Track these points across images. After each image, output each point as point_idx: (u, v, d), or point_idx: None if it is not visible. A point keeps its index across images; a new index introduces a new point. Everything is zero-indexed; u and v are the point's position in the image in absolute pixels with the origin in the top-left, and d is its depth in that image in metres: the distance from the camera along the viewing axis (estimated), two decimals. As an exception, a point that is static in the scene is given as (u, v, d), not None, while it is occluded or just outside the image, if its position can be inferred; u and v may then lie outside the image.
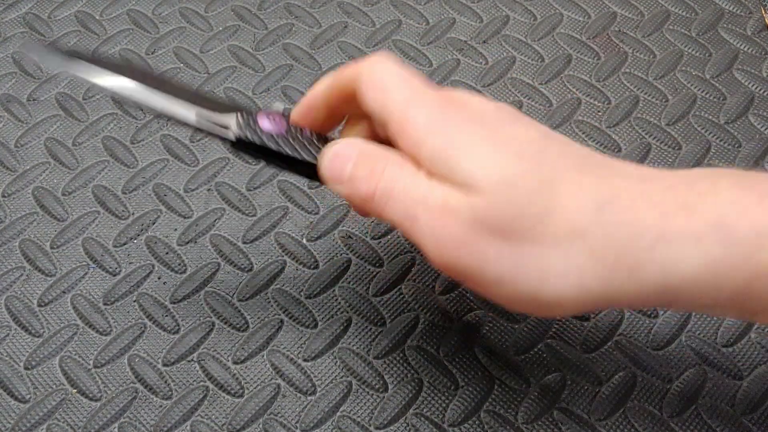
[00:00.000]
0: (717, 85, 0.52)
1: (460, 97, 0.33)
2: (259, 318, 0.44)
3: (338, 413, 0.41)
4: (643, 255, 0.29)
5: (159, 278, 0.45)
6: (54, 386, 0.42)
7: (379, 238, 0.46)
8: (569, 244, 0.30)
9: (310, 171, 0.36)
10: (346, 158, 0.34)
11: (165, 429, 0.40)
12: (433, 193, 0.31)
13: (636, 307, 0.32)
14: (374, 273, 0.45)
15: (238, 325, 0.43)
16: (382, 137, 0.35)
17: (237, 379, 0.42)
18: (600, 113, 0.51)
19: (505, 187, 0.30)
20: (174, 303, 0.44)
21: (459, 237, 0.30)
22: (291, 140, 0.36)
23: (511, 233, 0.30)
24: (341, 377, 0.42)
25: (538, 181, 0.30)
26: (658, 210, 0.29)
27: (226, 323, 0.43)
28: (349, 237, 0.46)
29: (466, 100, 0.33)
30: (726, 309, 0.31)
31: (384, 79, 0.34)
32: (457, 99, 0.33)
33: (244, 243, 0.46)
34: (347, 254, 0.46)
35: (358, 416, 0.41)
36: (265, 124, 0.36)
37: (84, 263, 0.46)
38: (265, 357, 0.42)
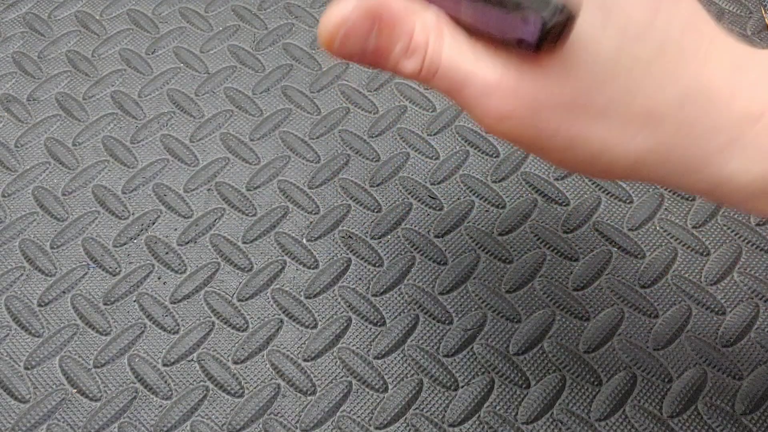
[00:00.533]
0: (717, 84, 0.52)
1: None
2: (259, 318, 0.44)
3: (338, 413, 0.41)
4: (709, 157, 0.28)
5: (159, 278, 0.45)
6: (54, 386, 0.42)
7: (379, 238, 0.46)
8: (640, 128, 0.28)
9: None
10: (365, 34, 0.28)
11: (165, 429, 0.40)
12: (490, 65, 0.27)
13: (680, 190, 0.31)
14: (374, 273, 0.45)
15: (238, 325, 0.43)
16: None
17: (237, 379, 0.42)
18: (600, 113, 0.51)
19: (593, 64, 0.27)
20: (174, 303, 0.44)
21: (514, 113, 0.28)
22: None
23: (581, 108, 0.28)
24: (341, 377, 0.42)
25: (630, 63, 0.27)
26: (740, 110, 0.28)
27: (226, 323, 0.43)
28: (349, 237, 0.46)
29: None
30: None
31: None
32: None
33: (244, 243, 0.46)
34: (347, 254, 0.46)
35: (358, 416, 0.41)
36: None
37: (84, 263, 0.46)
38: (265, 357, 0.42)
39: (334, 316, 0.43)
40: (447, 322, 0.43)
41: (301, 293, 0.44)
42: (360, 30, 0.28)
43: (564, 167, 0.30)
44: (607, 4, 0.27)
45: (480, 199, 0.47)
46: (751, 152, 0.28)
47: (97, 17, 0.57)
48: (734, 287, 0.44)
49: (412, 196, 0.48)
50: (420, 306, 0.44)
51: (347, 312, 0.44)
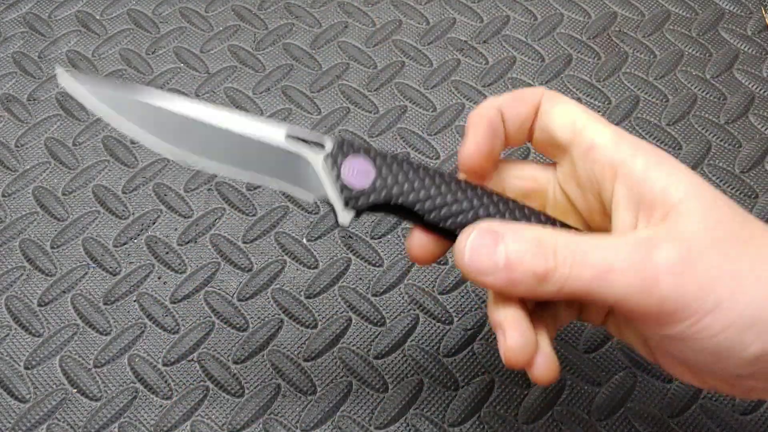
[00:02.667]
0: (717, 85, 0.52)
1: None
2: (259, 318, 0.44)
3: (338, 413, 0.41)
4: None
5: (159, 278, 0.45)
6: (54, 386, 0.42)
7: (379, 238, 0.46)
8: (748, 328, 0.28)
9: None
10: (492, 247, 0.30)
11: (165, 429, 0.40)
12: (624, 240, 0.29)
13: None
14: (374, 273, 0.45)
15: (238, 325, 0.43)
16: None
17: (237, 378, 0.42)
18: (600, 113, 0.51)
19: (710, 202, 0.29)
20: (174, 303, 0.44)
21: (675, 263, 0.28)
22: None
23: (728, 248, 0.28)
24: (341, 377, 0.42)
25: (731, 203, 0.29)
26: None
27: (226, 323, 0.43)
28: (349, 237, 0.46)
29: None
30: None
31: (572, 104, 0.32)
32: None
33: (245, 243, 0.46)
34: (347, 254, 0.46)
35: (358, 416, 0.41)
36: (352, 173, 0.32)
37: (84, 263, 0.46)
38: (265, 357, 0.42)
39: (334, 316, 0.43)
40: (447, 322, 0.43)
41: (302, 293, 0.44)
42: (484, 244, 0.30)
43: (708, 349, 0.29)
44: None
45: (480, 199, 0.47)
46: None
47: (98, 17, 0.57)
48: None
49: (412, 196, 0.48)
50: (420, 306, 0.44)
51: (347, 312, 0.44)
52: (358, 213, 0.32)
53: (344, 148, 0.32)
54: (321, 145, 0.32)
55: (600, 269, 0.28)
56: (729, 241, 0.28)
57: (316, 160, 0.32)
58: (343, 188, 0.32)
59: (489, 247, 0.29)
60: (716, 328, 0.27)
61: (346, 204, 0.32)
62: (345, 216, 0.32)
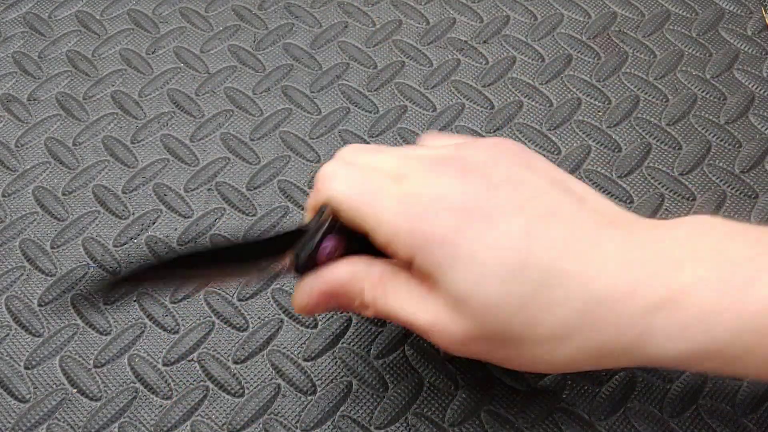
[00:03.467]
0: (717, 85, 0.52)
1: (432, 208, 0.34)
2: (259, 317, 0.44)
3: (338, 413, 0.41)
4: (629, 348, 0.31)
5: (159, 278, 0.45)
6: (54, 386, 0.42)
7: (379, 238, 0.46)
8: (556, 344, 0.32)
9: None
10: (317, 295, 0.36)
11: (165, 429, 0.40)
12: (423, 314, 0.34)
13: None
14: (374, 273, 0.45)
15: (238, 325, 0.43)
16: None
17: (237, 378, 0.42)
18: (600, 113, 0.51)
19: (490, 309, 0.32)
20: (174, 303, 0.44)
21: (452, 347, 0.34)
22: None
23: (501, 340, 0.33)
24: (341, 377, 0.42)
25: (519, 301, 0.32)
26: (641, 304, 0.31)
27: (226, 323, 0.43)
28: (350, 237, 0.46)
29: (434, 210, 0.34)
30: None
31: (343, 194, 0.35)
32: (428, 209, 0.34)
33: (245, 243, 0.46)
34: (347, 254, 0.46)
35: (358, 416, 0.41)
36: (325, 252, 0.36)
37: (84, 263, 0.46)
38: (265, 357, 0.42)
39: (335, 316, 0.43)
40: (447, 322, 0.43)
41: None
42: (323, 305, 0.36)
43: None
44: (480, 263, 0.32)
45: (480, 199, 0.47)
46: (662, 340, 0.31)
47: (98, 17, 0.57)
48: (734, 287, 0.44)
49: (412, 196, 0.48)
50: (420, 306, 0.44)
51: (348, 312, 0.44)
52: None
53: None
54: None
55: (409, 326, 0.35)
56: (505, 338, 0.33)
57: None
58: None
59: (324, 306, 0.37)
60: (514, 364, 0.35)
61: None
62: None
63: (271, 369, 0.42)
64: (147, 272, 0.36)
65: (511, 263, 0.32)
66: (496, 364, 0.36)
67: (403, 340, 0.43)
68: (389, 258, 0.35)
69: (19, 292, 0.45)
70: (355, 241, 0.35)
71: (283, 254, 0.36)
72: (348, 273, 0.35)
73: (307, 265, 0.36)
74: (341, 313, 0.43)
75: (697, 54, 0.53)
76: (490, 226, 0.32)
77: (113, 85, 0.53)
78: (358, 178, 0.35)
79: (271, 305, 0.44)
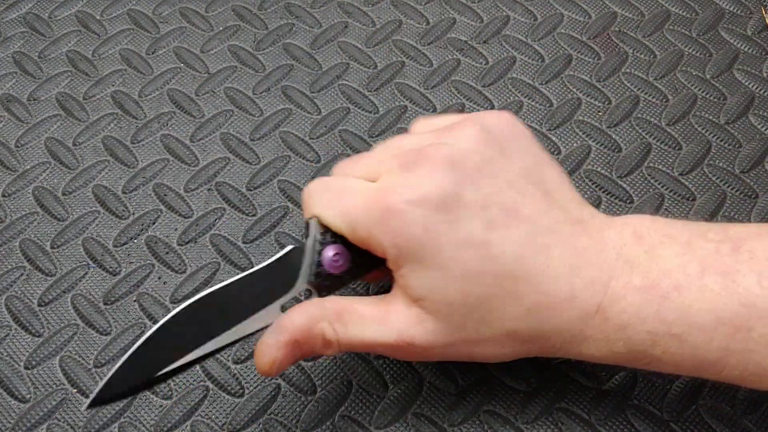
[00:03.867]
0: (717, 85, 0.52)
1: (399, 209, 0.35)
2: (259, 318, 0.44)
3: (338, 413, 0.41)
4: (565, 346, 0.35)
5: (159, 278, 0.45)
6: (54, 386, 0.42)
7: (379, 238, 0.46)
8: (505, 341, 0.35)
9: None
10: (277, 345, 0.36)
11: (165, 429, 0.40)
12: (386, 331, 0.35)
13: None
14: (374, 273, 0.45)
15: (238, 325, 0.43)
16: None
17: (237, 378, 0.42)
18: (600, 113, 0.51)
19: (450, 308, 0.34)
20: (174, 303, 0.44)
21: (419, 354, 0.36)
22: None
23: (461, 340, 0.35)
24: (341, 377, 0.42)
25: (475, 302, 0.34)
26: (579, 309, 0.34)
27: (226, 323, 0.43)
28: (350, 237, 0.46)
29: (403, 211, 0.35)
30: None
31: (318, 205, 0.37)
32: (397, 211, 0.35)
33: (245, 243, 0.46)
34: (347, 254, 0.46)
35: (358, 416, 0.41)
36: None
37: (84, 263, 0.46)
38: (265, 357, 0.42)
39: (335, 316, 0.43)
40: (447, 322, 0.43)
41: (302, 293, 0.44)
42: (290, 357, 0.36)
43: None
44: (443, 261, 0.34)
45: (480, 199, 0.47)
46: (593, 342, 0.35)
47: (98, 17, 0.57)
48: (734, 287, 0.44)
49: (412, 196, 0.48)
50: (420, 306, 0.44)
51: (347, 312, 0.44)
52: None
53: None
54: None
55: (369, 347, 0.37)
56: (459, 339, 0.35)
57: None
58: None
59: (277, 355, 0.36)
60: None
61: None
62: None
63: (271, 369, 0.42)
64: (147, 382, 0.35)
65: (471, 265, 0.34)
66: (454, 360, 0.38)
67: (403, 340, 0.43)
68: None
69: (19, 292, 0.45)
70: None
71: (292, 278, 0.36)
72: (304, 317, 0.36)
73: (320, 281, 0.36)
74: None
75: (697, 54, 0.53)
76: (453, 225, 0.34)
77: (113, 85, 0.53)
78: (334, 188, 0.37)
79: (271, 305, 0.44)
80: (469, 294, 0.34)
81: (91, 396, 0.34)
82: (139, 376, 0.35)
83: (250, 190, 0.48)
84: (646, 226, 0.36)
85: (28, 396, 0.41)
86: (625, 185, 0.48)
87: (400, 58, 0.54)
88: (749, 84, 0.52)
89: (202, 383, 0.42)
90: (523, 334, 0.35)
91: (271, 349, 0.35)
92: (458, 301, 0.34)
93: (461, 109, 0.51)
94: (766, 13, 0.55)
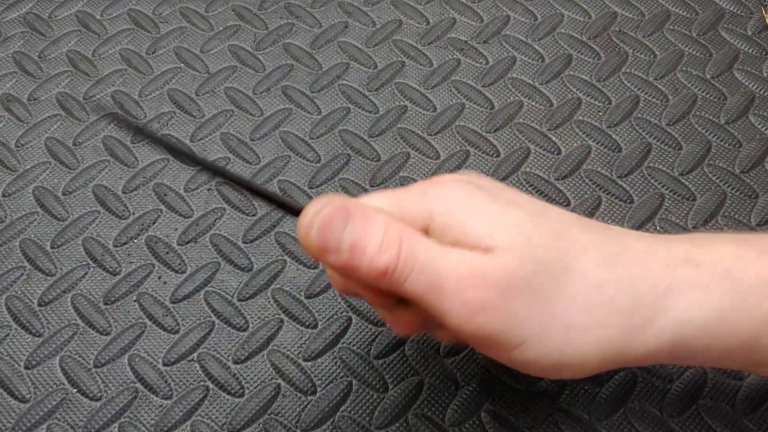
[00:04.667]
0: (717, 85, 0.52)
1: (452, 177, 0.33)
2: (259, 318, 0.44)
3: (338, 413, 0.41)
4: (657, 304, 0.30)
5: (159, 278, 0.45)
6: (54, 386, 0.42)
7: (379, 238, 0.46)
8: (590, 297, 0.30)
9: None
10: (342, 225, 0.30)
11: (165, 429, 0.40)
12: (458, 260, 0.30)
13: (651, 361, 0.33)
14: (374, 273, 0.45)
15: (238, 325, 0.43)
16: None
17: (237, 378, 0.42)
18: (600, 113, 0.51)
19: (523, 244, 0.30)
20: (174, 303, 0.44)
21: (489, 300, 0.29)
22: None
23: (537, 290, 0.30)
24: (341, 377, 0.42)
25: (552, 234, 0.30)
26: (664, 263, 0.30)
27: (226, 323, 0.43)
28: (350, 237, 0.46)
29: (457, 177, 0.32)
30: (735, 360, 0.32)
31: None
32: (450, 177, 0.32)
33: (245, 243, 0.46)
34: (347, 254, 0.46)
35: (359, 416, 0.41)
36: None
37: (84, 263, 0.46)
38: (265, 357, 0.42)
39: (335, 316, 0.43)
40: (447, 322, 0.43)
41: (302, 293, 0.44)
42: (335, 220, 0.29)
43: (533, 369, 0.32)
44: (504, 200, 0.31)
45: (480, 199, 0.47)
46: (691, 292, 0.30)
47: (98, 17, 0.57)
48: (734, 287, 0.44)
49: (412, 196, 0.48)
50: (420, 306, 0.44)
51: (347, 312, 0.44)
52: None
53: None
54: None
55: (433, 285, 0.29)
56: (541, 282, 0.30)
57: None
58: None
59: (338, 226, 0.30)
60: (525, 359, 0.30)
61: None
62: None
63: (271, 369, 0.42)
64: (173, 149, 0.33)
65: (535, 204, 0.31)
66: (515, 360, 0.32)
67: (403, 341, 0.43)
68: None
69: (20, 292, 0.45)
70: None
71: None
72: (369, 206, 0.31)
73: None
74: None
75: (697, 54, 0.53)
76: (510, 189, 0.32)
77: (113, 85, 0.53)
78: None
79: (271, 305, 0.44)
80: (542, 228, 0.31)
81: (141, 127, 0.33)
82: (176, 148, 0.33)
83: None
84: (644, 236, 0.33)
85: (28, 396, 0.41)
86: (625, 185, 0.48)
87: (400, 58, 0.54)
88: (749, 84, 0.52)
89: (202, 383, 0.42)
90: (610, 290, 0.30)
91: (318, 205, 0.30)
92: (532, 237, 0.30)
93: (461, 110, 0.51)
94: (766, 13, 0.55)
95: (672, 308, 0.30)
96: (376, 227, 0.30)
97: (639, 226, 0.46)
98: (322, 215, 0.30)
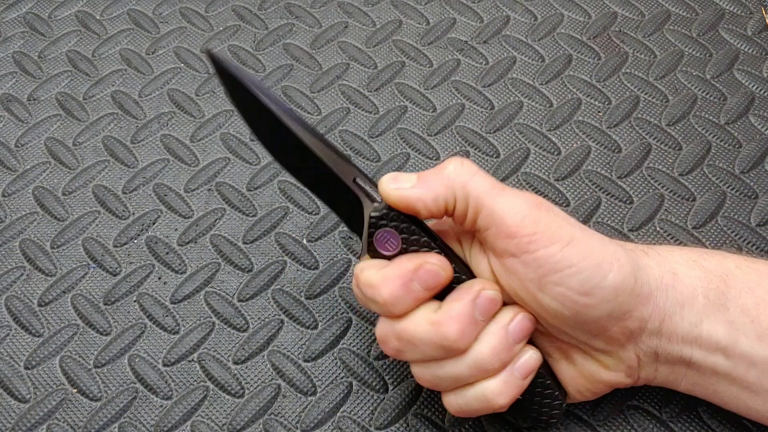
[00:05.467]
0: (717, 85, 0.52)
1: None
2: (259, 318, 0.44)
3: (338, 414, 0.41)
4: (658, 253, 0.37)
5: (159, 278, 0.45)
6: (54, 386, 0.42)
7: (379, 238, 0.46)
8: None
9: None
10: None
11: (165, 429, 0.40)
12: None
13: (666, 334, 0.36)
14: (374, 273, 0.45)
15: (238, 326, 0.43)
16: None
17: (237, 379, 0.42)
18: (600, 113, 0.51)
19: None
20: (174, 303, 0.44)
21: (544, 202, 0.35)
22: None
23: (570, 215, 0.36)
24: (342, 378, 0.42)
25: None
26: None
27: (226, 323, 0.43)
28: (349, 237, 0.46)
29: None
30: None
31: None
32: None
33: (245, 243, 0.46)
34: (347, 255, 0.46)
35: (359, 416, 0.41)
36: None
37: (84, 263, 0.46)
38: (265, 357, 0.42)
39: (335, 317, 0.43)
40: (447, 322, 0.43)
41: (302, 294, 0.44)
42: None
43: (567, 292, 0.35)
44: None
45: (480, 199, 0.47)
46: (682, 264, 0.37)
47: (98, 17, 0.57)
48: (734, 288, 0.44)
49: (412, 197, 0.48)
50: (420, 306, 0.44)
51: (348, 313, 0.44)
52: None
53: (383, 220, 0.36)
54: (375, 200, 0.36)
55: (496, 186, 0.35)
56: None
57: (366, 211, 0.36)
58: (370, 247, 0.36)
59: (406, 175, 0.36)
60: (576, 257, 0.34)
61: (371, 255, 0.36)
62: (364, 258, 0.37)
63: (271, 369, 0.42)
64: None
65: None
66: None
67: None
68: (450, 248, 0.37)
69: (20, 292, 0.45)
70: (416, 233, 0.36)
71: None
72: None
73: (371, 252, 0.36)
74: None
75: (697, 54, 0.53)
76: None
77: (113, 85, 0.53)
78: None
79: (272, 306, 0.44)
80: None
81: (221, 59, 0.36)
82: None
83: (250, 191, 0.48)
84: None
85: (28, 396, 0.41)
86: (625, 186, 0.48)
87: (400, 58, 0.54)
88: (749, 84, 0.52)
89: (202, 383, 0.42)
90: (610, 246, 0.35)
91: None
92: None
93: (461, 110, 0.51)
94: (766, 13, 0.55)
95: (659, 250, 0.37)
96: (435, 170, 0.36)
97: (639, 227, 0.46)
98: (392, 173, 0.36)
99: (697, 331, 0.35)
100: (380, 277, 0.35)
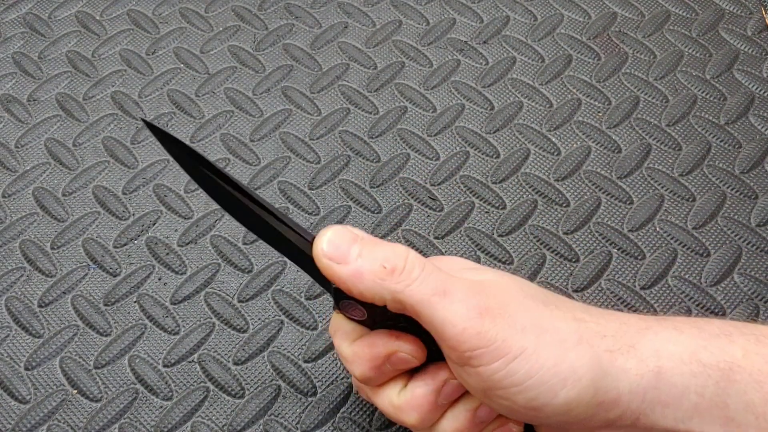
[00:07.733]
0: (717, 85, 0.52)
1: None
2: (259, 319, 0.44)
3: (339, 414, 0.41)
4: (637, 335, 0.33)
5: (159, 279, 0.45)
6: (54, 387, 0.42)
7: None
8: (578, 323, 0.33)
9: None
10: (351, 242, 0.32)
11: (165, 430, 0.40)
12: (463, 275, 0.33)
13: (638, 401, 0.33)
14: (374, 274, 0.45)
15: (238, 326, 0.43)
16: None
17: (237, 380, 0.42)
18: (600, 114, 0.51)
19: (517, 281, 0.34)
20: (174, 304, 0.44)
21: (493, 307, 0.32)
22: None
23: (532, 306, 0.33)
24: (342, 378, 0.42)
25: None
26: (637, 317, 0.34)
27: (226, 324, 0.43)
28: (350, 238, 0.46)
29: None
30: (712, 415, 0.34)
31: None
32: None
33: (245, 244, 0.46)
34: (347, 255, 0.46)
35: (359, 417, 0.41)
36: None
37: (84, 264, 0.46)
38: (265, 358, 0.42)
39: (335, 317, 0.43)
40: (447, 323, 0.43)
41: (302, 294, 0.44)
42: (344, 238, 0.32)
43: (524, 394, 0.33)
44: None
45: (480, 200, 0.47)
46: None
47: (98, 17, 0.57)
48: (734, 288, 0.44)
49: (412, 198, 0.48)
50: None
51: (347, 313, 0.44)
52: None
53: (341, 295, 0.33)
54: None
55: (440, 289, 0.31)
56: (535, 299, 0.33)
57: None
58: (340, 310, 0.34)
59: (347, 241, 0.32)
60: (521, 376, 0.31)
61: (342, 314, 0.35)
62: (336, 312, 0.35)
63: (271, 370, 0.42)
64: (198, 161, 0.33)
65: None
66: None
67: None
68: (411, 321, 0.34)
69: (20, 293, 0.45)
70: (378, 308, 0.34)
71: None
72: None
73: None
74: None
75: (697, 54, 0.53)
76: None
77: (113, 86, 0.53)
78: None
79: (272, 307, 0.44)
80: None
81: (154, 125, 0.34)
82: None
83: (250, 191, 0.48)
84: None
85: (29, 397, 0.41)
86: (624, 186, 0.48)
87: (400, 59, 0.54)
88: (749, 84, 0.52)
89: (202, 384, 0.42)
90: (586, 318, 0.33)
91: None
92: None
93: (461, 110, 0.51)
94: (766, 13, 0.55)
95: (651, 340, 0.33)
96: (383, 246, 0.32)
97: (639, 227, 0.46)
98: (332, 232, 0.32)
99: (684, 427, 0.32)
100: (351, 354, 0.34)
